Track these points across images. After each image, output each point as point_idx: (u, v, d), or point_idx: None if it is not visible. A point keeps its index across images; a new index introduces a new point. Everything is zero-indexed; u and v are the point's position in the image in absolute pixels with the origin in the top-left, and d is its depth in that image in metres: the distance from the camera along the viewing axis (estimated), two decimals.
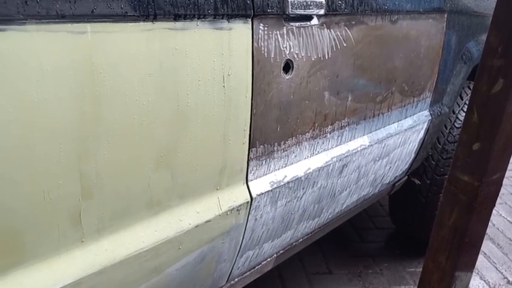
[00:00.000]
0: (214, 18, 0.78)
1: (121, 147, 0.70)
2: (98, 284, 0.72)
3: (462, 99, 1.87)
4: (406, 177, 1.83)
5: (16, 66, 0.55)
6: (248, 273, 1.18)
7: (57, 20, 0.58)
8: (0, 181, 0.58)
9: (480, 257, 2.07)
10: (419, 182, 1.89)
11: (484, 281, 1.96)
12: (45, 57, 0.57)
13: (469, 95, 1.87)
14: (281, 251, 1.28)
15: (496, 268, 2.05)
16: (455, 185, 0.77)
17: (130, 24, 0.66)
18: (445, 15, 1.52)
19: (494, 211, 2.20)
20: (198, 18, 0.75)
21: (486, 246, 2.20)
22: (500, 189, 0.81)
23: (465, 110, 1.80)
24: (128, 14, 0.65)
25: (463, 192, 0.76)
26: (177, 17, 0.72)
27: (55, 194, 0.63)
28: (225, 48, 0.81)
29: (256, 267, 1.21)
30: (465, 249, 0.79)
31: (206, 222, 0.88)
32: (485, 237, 2.16)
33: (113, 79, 0.65)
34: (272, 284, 1.84)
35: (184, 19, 0.73)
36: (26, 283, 0.63)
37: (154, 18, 0.68)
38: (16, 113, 0.56)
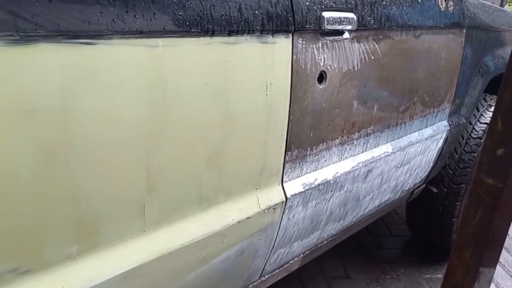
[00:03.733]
0: (261, 33, 0.86)
1: (180, 147, 0.78)
2: (155, 270, 0.80)
3: (479, 111, 1.94)
4: (424, 185, 1.89)
5: (104, 75, 0.64)
6: (277, 270, 1.26)
7: (136, 35, 0.67)
8: (84, 174, 0.66)
9: None
10: (436, 190, 1.94)
11: None
12: (125, 67, 0.66)
13: (485, 107, 1.95)
14: (307, 252, 1.35)
15: (511, 276, 2.09)
16: (479, 187, 0.84)
17: (193, 39, 0.75)
18: (464, 31, 1.60)
19: None
20: (248, 34, 0.84)
21: (501, 255, 2.24)
22: None
23: (481, 121, 1.89)
24: (192, 30, 0.74)
25: (488, 194, 0.83)
26: (230, 33, 0.80)
27: (126, 187, 0.72)
28: (269, 60, 0.90)
29: (285, 266, 1.28)
30: (489, 246, 0.86)
31: (247, 218, 0.96)
32: None
33: (177, 87, 0.74)
34: (292, 286, 1.90)
35: (236, 34, 0.82)
36: (99, 265, 0.71)
37: (213, 33, 0.77)
38: (102, 115, 0.65)
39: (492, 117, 0.81)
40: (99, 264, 0.72)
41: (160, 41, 0.70)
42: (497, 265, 2.14)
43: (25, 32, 0.54)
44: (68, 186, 0.65)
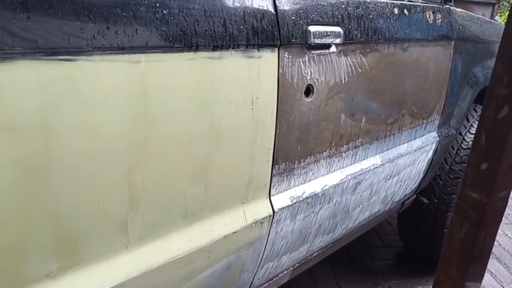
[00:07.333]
0: (246, 47, 0.86)
1: (164, 162, 0.78)
2: (138, 287, 0.79)
3: (468, 122, 1.95)
4: (415, 196, 1.89)
5: (85, 91, 0.63)
6: (266, 284, 1.25)
7: (118, 51, 0.66)
8: (63, 191, 0.65)
9: (487, 276, 2.11)
10: (427, 201, 1.95)
11: None
12: (106, 83, 0.66)
13: (475, 118, 1.96)
14: (297, 264, 1.34)
15: (503, 286, 2.09)
16: (465, 202, 0.85)
17: (176, 54, 0.74)
18: (453, 43, 1.61)
19: (500, 231, 2.23)
20: (233, 48, 0.84)
21: (493, 265, 2.24)
22: (506, 205, 0.88)
23: (471, 132, 1.90)
24: (175, 45, 0.73)
25: (473, 208, 0.83)
26: (215, 48, 0.80)
27: (108, 203, 0.71)
28: (255, 74, 0.90)
29: (274, 279, 1.27)
30: (474, 261, 0.86)
31: (233, 233, 0.95)
32: (492, 256, 2.21)
33: (161, 102, 0.74)
34: None
35: (221, 49, 0.82)
36: (80, 283, 0.70)
37: (197, 48, 0.77)
38: (83, 132, 0.64)
39: (476, 132, 0.81)
40: (80, 283, 0.71)
41: (142, 57, 0.70)
42: (489, 275, 2.14)
43: (1, 50, 0.54)
44: (48, 202, 0.64)
